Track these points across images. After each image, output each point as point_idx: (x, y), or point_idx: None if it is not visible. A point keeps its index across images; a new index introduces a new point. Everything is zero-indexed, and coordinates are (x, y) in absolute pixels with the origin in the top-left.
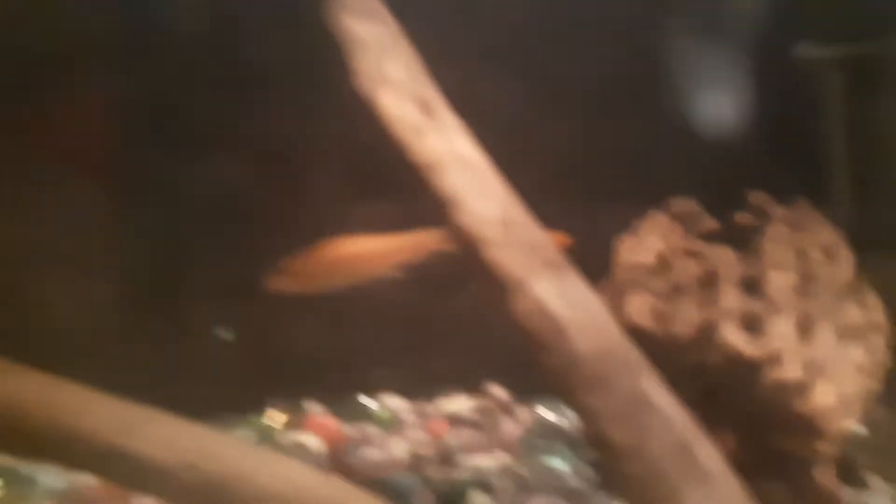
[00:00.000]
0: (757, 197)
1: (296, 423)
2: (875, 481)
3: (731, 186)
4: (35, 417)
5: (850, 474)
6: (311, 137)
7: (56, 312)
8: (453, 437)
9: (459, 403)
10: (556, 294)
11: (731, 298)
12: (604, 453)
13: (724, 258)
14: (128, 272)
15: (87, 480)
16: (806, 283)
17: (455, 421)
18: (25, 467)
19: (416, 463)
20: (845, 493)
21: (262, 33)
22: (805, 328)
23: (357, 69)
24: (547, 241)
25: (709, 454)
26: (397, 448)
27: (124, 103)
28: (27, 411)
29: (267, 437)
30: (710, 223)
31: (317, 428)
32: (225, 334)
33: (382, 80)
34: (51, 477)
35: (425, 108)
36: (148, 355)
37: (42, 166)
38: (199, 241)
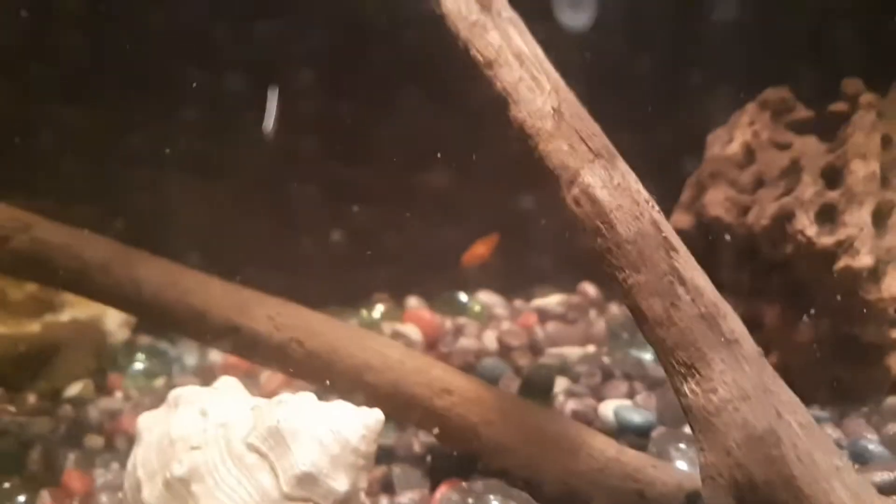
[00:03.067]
0: (850, 84)
1: (398, 315)
2: None
3: (832, 73)
4: (165, 297)
5: None
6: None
7: (190, 213)
8: (542, 330)
9: (551, 300)
10: (603, 182)
11: (809, 189)
12: (640, 323)
13: (809, 148)
14: (253, 181)
15: (214, 357)
16: (888, 172)
17: (545, 315)
18: (163, 346)
19: (505, 352)
20: None
21: None
22: (882, 217)
23: None
24: (597, 130)
25: (734, 324)
26: (489, 339)
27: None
28: (154, 291)
29: (371, 327)
30: (803, 112)
31: (415, 319)
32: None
33: None
34: (185, 354)
35: (485, 4)
36: (272, 253)
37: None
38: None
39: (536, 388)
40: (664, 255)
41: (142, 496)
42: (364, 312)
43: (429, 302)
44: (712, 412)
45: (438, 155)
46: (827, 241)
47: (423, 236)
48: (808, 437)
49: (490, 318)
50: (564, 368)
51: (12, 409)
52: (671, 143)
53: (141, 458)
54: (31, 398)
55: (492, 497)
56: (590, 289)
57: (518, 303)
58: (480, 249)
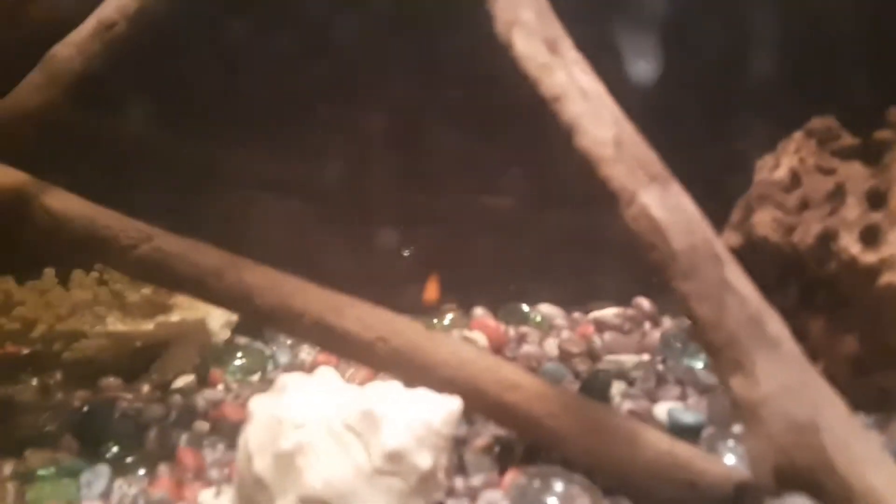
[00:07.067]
0: (895, 113)
1: (465, 323)
2: None
3: (881, 98)
4: (266, 298)
5: None
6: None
7: (273, 229)
8: (599, 339)
9: (608, 312)
10: (659, 202)
11: (853, 210)
12: (693, 326)
13: (854, 173)
14: (331, 202)
15: (305, 355)
16: None
17: (602, 326)
18: (259, 345)
19: (565, 357)
20: None
21: None
22: None
23: (495, 15)
24: (653, 157)
25: (777, 326)
26: (550, 346)
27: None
28: (259, 294)
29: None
30: (848, 140)
31: (481, 327)
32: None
33: (516, 23)
34: (279, 353)
35: (552, 47)
36: (353, 269)
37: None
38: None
39: (595, 391)
40: (714, 266)
41: (253, 467)
42: (435, 320)
43: (493, 312)
44: (757, 404)
45: (505, 177)
46: (870, 258)
47: (488, 252)
48: (845, 427)
49: (550, 327)
50: (621, 374)
51: (129, 396)
52: (721, 168)
53: (252, 434)
54: (145, 388)
55: (555, 480)
56: (645, 303)
57: (576, 314)
58: (430, 293)
